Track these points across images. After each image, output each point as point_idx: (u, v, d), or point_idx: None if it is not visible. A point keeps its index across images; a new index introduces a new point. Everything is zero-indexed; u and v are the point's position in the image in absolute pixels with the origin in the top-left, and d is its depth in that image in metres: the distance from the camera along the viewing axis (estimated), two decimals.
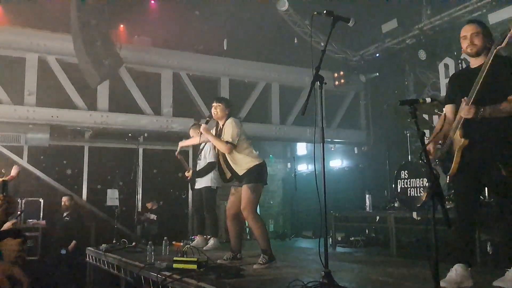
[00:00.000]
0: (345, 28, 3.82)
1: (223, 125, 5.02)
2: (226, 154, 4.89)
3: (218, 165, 5.14)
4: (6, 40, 8.11)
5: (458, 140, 3.36)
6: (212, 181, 6.52)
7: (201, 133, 5.11)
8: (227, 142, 4.83)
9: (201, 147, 6.62)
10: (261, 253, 4.73)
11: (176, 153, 6.89)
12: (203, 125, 5.04)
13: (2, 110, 7.97)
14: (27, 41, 8.23)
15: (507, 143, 3.26)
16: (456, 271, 3.30)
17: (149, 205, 8.69)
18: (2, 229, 2.82)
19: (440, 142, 3.62)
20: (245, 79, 10.17)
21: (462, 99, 3.34)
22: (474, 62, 3.51)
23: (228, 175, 5.09)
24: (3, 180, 3.13)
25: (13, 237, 2.23)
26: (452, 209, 5.18)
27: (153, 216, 8.43)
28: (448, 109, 3.64)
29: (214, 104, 5.11)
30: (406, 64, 9.52)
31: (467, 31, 3.48)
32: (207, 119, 5.20)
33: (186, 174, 7.01)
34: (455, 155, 3.39)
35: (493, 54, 3.23)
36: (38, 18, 8.38)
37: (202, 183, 6.61)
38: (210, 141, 5.11)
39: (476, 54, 3.46)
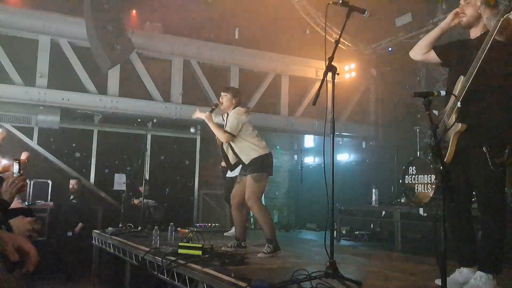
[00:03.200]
0: (359, 20, 3.79)
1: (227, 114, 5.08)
2: (232, 143, 4.97)
3: (222, 152, 5.20)
4: (20, 21, 8.13)
5: (454, 124, 3.08)
6: None
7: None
8: (225, 131, 4.91)
9: None
10: (266, 242, 4.75)
11: (216, 138, 7.01)
12: (206, 113, 5.14)
13: (14, 91, 8.01)
14: (40, 23, 8.24)
15: (499, 127, 3.00)
16: (460, 273, 3.18)
17: (141, 189, 8.65)
18: (12, 206, 2.86)
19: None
20: (255, 69, 10.14)
21: (460, 77, 3.06)
22: (474, 33, 3.23)
23: (233, 161, 5.15)
24: (18, 161, 3.18)
25: (24, 215, 2.26)
26: None
27: (151, 202, 8.39)
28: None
29: (222, 93, 5.19)
30: None
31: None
32: (213, 107, 5.30)
33: (222, 163, 7.11)
34: (450, 141, 3.11)
35: (499, 23, 2.86)
36: (52, 0, 8.40)
37: (234, 172, 6.66)
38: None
39: (467, 26, 3.20)
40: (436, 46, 3.42)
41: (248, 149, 4.93)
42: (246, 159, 4.91)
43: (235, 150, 5.00)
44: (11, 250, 1.53)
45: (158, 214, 8.28)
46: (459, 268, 3.23)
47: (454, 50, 3.35)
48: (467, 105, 3.04)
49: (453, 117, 3.11)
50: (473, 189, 3.24)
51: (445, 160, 3.06)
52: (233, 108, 5.07)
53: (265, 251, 4.64)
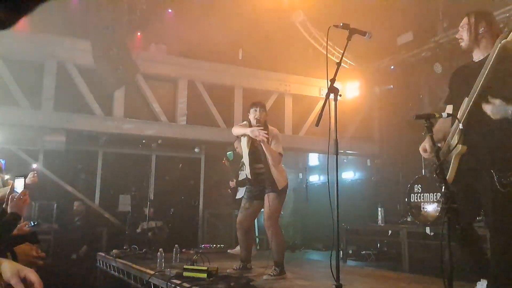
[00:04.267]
0: (361, 40, 3.82)
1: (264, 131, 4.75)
2: (276, 171, 4.75)
3: (235, 171, 5.11)
4: (26, 46, 8.23)
5: (456, 146, 3.08)
6: None
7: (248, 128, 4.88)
8: (279, 153, 4.77)
9: (243, 158, 6.63)
10: (271, 264, 4.72)
11: (223, 161, 7.01)
12: (262, 133, 4.70)
13: (20, 114, 8.08)
14: (46, 48, 8.34)
15: (504, 148, 3.00)
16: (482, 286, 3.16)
17: (146, 211, 8.59)
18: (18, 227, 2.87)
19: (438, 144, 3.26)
20: (258, 88, 10.20)
21: (464, 99, 3.08)
22: (476, 56, 3.24)
23: (256, 180, 4.92)
24: (23, 177, 3.23)
25: (30, 242, 2.27)
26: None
27: (156, 223, 8.33)
28: (449, 109, 3.36)
29: (258, 108, 4.93)
30: (421, 77, 9.46)
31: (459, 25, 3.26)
32: (257, 125, 4.87)
33: (230, 183, 7.12)
34: (451, 162, 3.12)
35: (497, 48, 2.94)
36: (58, 24, 8.51)
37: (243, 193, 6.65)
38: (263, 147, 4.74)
39: (467, 50, 3.22)
40: (446, 101, 3.46)
41: (284, 173, 4.88)
42: (280, 183, 4.75)
43: (272, 173, 4.75)
44: (16, 281, 1.52)
45: (163, 235, 8.25)
46: (480, 281, 3.20)
47: (455, 79, 3.41)
48: (469, 127, 3.05)
49: (455, 138, 3.12)
50: (480, 208, 3.22)
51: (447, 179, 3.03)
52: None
53: (271, 274, 4.60)
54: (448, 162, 3.17)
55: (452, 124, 3.24)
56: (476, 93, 3.00)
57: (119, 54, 7.72)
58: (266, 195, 4.78)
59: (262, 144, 4.69)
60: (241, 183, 6.70)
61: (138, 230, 8.20)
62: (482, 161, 3.04)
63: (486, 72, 2.96)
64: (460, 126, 3.03)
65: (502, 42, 2.92)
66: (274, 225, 4.72)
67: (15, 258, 2.16)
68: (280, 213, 4.88)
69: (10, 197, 2.94)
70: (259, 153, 4.83)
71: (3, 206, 3.14)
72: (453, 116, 3.11)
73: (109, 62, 7.66)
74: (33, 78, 8.37)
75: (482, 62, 3.09)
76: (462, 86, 3.23)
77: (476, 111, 3.02)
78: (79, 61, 8.52)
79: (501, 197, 2.97)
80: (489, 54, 3.04)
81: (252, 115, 4.91)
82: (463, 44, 3.22)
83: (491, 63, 2.94)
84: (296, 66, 10.24)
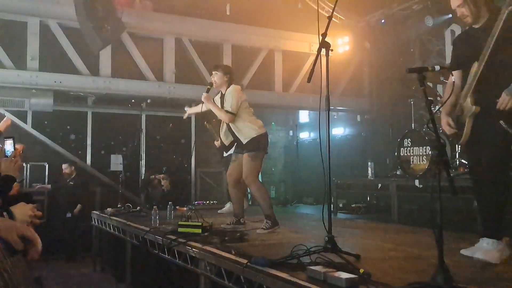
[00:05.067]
0: None
1: (224, 93, 5.03)
2: (236, 129, 4.92)
3: (219, 131, 5.21)
4: (8, 3, 7.99)
5: (469, 107, 3.23)
6: None
7: (202, 102, 5.12)
8: (227, 111, 4.86)
9: None
10: (264, 218, 4.81)
11: (205, 123, 7.04)
12: (204, 94, 5.05)
13: (5, 75, 7.92)
14: (28, 4, 8.11)
15: None
16: (486, 243, 3.21)
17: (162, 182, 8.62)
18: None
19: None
20: (247, 45, 10.05)
21: (474, 63, 3.19)
22: (477, 22, 3.34)
23: (227, 142, 5.18)
24: (12, 138, 3.23)
25: (25, 201, 2.28)
26: (457, 177, 5.25)
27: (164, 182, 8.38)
28: (456, 74, 3.48)
29: (212, 72, 5.13)
30: (412, 30, 9.36)
31: (453, 3, 3.33)
32: (208, 87, 5.19)
33: (215, 143, 7.14)
34: (466, 123, 3.27)
35: (505, 14, 3.05)
36: None
37: (231, 151, 6.69)
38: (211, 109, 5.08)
39: (474, 22, 3.31)
40: (452, 67, 3.56)
41: (246, 128, 4.92)
42: (244, 139, 4.90)
43: (233, 130, 4.96)
44: (15, 239, 1.54)
45: (157, 194, 8.32)
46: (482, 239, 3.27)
47: (460, 45, 3.54)
48: (482, 88, 3.18)
49: (469, 100, 3.25)
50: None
51: (461, 141, 3.34)
52: (227, 86, 5.03)
53: (264, 227, 4.70)
54: (461, 124, 3.32)
55: (462, 87, 3.37)
56: (487, 56, 3.11)
57: (103, 13, 7.51)
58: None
59: (206, 104, 5.03)
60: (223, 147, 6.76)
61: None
62: (493, 116, 3.13)
63: (496, 36, 3.08)
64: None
65: (509, 8, 3.03)
66: (253, 182, 4.86)
67: (12, 218, 2.17)
68: (258, 169, 4.96)
69: (1, 160, 2.94)
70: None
71: None
72: (445, 68, 3.20)
73: (92, 21, 7.45)
74: (17, 37, 8.17)
75: (484, 27, 3.24)
76: (469, 51, 3.34)
77: (487, 74, 3.16)
78: (62, 20, 8.31)
79: (506, 139, 3.11)
80: (488, 18, 3.22)
81: (212, 79, 5.15)
82: (470, 19, 3.32)
83: (499, 28, 3.07)
84: (285, 21, 10.06)
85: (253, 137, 4.87)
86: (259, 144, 4.89)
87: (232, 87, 4.99)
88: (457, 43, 3.62)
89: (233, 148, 5.33)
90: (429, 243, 3.39)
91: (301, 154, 10.30)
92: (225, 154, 6.80)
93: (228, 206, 6.92)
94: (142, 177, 8.70)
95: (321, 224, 3.28)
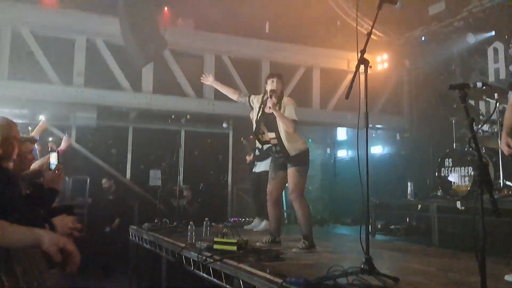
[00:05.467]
0: (390, 9, 3.70)
1: (277, 102, 4.82)
2: (284, 131, 4.77)
3: (261, 134, 4.99)
4: (57, 22, 8.34)
5: None
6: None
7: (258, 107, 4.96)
8: (293, 120, 4.74)
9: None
10: (300, 237, 4.74)
11: (241, 139, 7.08)
12: (272, 100, 4.80)
13: (52, 90, 8.24)
14: (75, 23, 8.44)
15: None
16: None
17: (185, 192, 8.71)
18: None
19: None
20: (286, 62, 10.10)
21: None
22: None
23: (264, 139, 4.93)
24: (56, 151, 3.32)
25: (67, 213, 2.34)
26: (501, 200, 5.05)
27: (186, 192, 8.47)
28: None
29: (274, 79, 4.95)
30: (453, 48, 9.17)
31: None
32: (270, 93, 4.87)
33: (247, 157, 7.18)
34: None
35: None
36: (87, 0, 8.57)
37: (261, 167, 6.70)
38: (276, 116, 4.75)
39: None
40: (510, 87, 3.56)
41: (298, 141, 4.82)
42: (292, 150, 4.76)
43: (285, 140, 4.77)
44: (55, 251, 1.57)
45: (193, 209, 8.38)
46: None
47: None
48: None
49: None
50: None
51: None
52: (280, 96, 4.90)
53: (300, 247, 4.63)
54: None
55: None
56: None
57: (147, 30, 7.73)
58: (288, 169, 4.80)
59: (272, 111, 4.71)
60: (258, 157, 6.74)
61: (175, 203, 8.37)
62: None
63: None
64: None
65: None
66: (298, 197, 4.75)
67: (53, 229, 2.23)
68: (305, 184, 4.85)
69: (46, 173, 3.03)
70: (270, 122, 4.86)
71: (40, 180, 3.24)
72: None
73: (137, 39, 7.68)
74: (63, 54, 8.50)
75: None
76: None
77: None
78: (108, 38, 8.61)
79: None
80: None
81: (269, 86, 4.92)
82: None
83: None
84: (323, 38, 10.07)
85: (302, 150, 4.82)
86: (305, 159, 4.84)
87: (288, 98, 4.94)
88: None
89: (265, 164, 5.22)
90: (471, 268, 3.26)
91: (339, 173, 10.18)
92: (255, 169, 6.79)
93: (255, 222, 6.88)
94: (161, 188, 8.72)
95: (359, 245, 3.21)
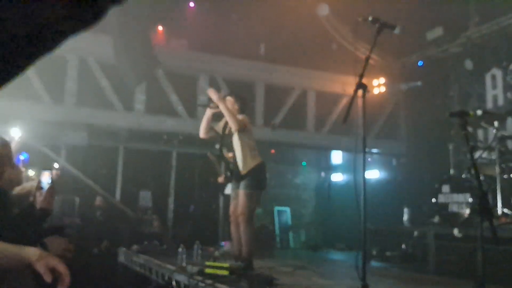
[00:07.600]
0: (388, 33, 3.66)
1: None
2: (239, 147, 4.72)
3: (222, 160, 5.04)
4: None
5: None
6: None
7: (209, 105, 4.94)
8: (241, 120, 4.75)
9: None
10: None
11: (208, 153, 6.91)
12: (214, 93, 4.81)
13: (43, 109, 8.11)
14: (68, 42, 8.25)
15: None
16: None
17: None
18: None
19: None
20: (280, 84, 10.05)
21: None
22: None
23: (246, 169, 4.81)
24: (50, 170, 3.26)
25: (59, 234, 2.27)
26: (498, 228, 4.92)
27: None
28: None
29: (228, 97, 5.01)
30: (451, 73, 9.17)
31: None
32: (211, 104, 4.93)
33: (219, 179, 7.00)
34: None
35: None
36: None
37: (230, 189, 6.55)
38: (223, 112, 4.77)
39: None
40: None
41: (249, 157, 4.72)
42: (244, 167, 4.68)
43: (235, 147, 4.76)
44: (46, 270, 1.52)
45: (184, 232, 8.20)
46: None
47: None
48: None
49: None
50: None
51: None
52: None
53: (235, 264, 4.57)
54: None
55: None
56: None
57: (140, 50, 7.68)
58: (239, 190, 4.76)
59: (220, 107, 4.69)
60: (229, 179, 6.58)
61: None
62: None
63: None
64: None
65: None
66: (244, 222, 4.67)
67: (46, 250, 2.15)
68: (255, 209, 4.79)
69: (38, 192, 2.92)
70: (229, 143, 4.91)
71: (31, 199, 3.12)
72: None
73: (130, 58, 7.62)
74: (54, 73, 8.39)
75: None
76: None
77: None
78: (100, 57, 8.52)
79: None
80: None
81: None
82: None
83: None
84: (319, 61, 10.05)
85: (253, 167, 4.70)
86: (257, 182, 4.73)
87: (244, 115, 4.92)
88: None
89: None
90: None
91: (334, 197, 10.03)
92: (225, 192, 6.65)
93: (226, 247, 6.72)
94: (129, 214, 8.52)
95: (353, 271, 3.09)
